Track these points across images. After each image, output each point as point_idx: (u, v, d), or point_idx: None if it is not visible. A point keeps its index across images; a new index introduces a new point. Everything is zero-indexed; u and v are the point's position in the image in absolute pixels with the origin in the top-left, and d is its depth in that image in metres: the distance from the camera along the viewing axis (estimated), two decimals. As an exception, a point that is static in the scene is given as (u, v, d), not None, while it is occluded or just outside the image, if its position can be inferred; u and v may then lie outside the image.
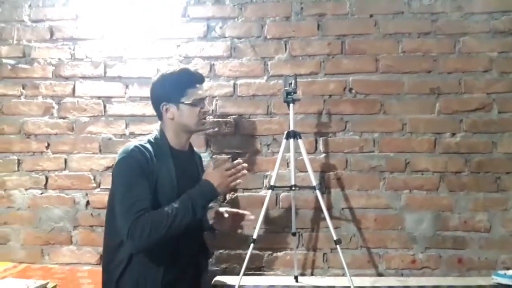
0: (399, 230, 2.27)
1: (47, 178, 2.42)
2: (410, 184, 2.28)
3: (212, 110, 2.36)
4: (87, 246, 2.37)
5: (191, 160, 1.80)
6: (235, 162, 1.63)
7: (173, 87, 1.65)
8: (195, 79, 1.68)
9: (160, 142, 1.66)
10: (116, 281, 1.56)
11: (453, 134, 2.28)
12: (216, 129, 2.36)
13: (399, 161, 2.29)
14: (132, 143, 1.60)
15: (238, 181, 1.61)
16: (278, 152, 2.10)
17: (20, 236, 2.41)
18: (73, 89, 2.45)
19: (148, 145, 1.60)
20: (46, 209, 2.40)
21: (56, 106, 2.45)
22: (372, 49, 2.33)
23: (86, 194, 2.39)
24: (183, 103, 1.65)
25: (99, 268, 2.19)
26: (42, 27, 2.48)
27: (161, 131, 1.69)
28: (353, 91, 2.33)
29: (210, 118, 2.27)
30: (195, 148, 1.90)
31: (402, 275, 2.25)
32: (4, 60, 2.48)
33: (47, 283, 1.89)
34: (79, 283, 1.98)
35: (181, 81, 1.65)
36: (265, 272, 2.30)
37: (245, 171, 1.62)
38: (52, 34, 2.48)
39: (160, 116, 1.71)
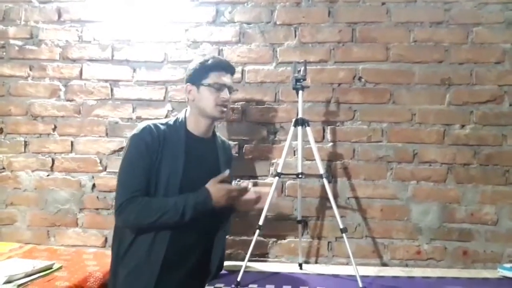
0: (405, 221, 2.26)
1: (53, 160, 2.43)
2: (418, 175, 2.27)
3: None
4: (92, 229, 2.38)
5: (211, 148, 1.75)
6: (242, 187, 1.63)
7: (198, 69, 1.66)
8: (221, 65, 1.67)
9: (178, 126, 1.65)
10: (122, 258, 1.57)
11: (463, 126, 2.25)
12: (226, 117, 2.35)
13: (407, 151, 2.28)
14: (148, 122, 1.61)
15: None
16: (285, 140, 2.08)
17: (26, 217, 2.43)
18: (80, 72, 2.44)
19: (163, 127, 1.61)
20: (52, 191, 2.41)
21: (63, 89, 2.44)
22: (383, 38, 2.30)
23: (92, 177, 2.39)
24: (203, 84, 1.64)
25: (105, 251, 2.23)
26: (50, 8, 2.46)
27: (184, 116, 1.69)
28: (363, 79, 2.30)
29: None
30: (222, 137, 1.87)
31: (406, 265, 2.25)
32: (12, 41, 2.47)
33: (53, 264, 1.89)
34: (84, 264, 1.98)
35: (207, 64, 1.65)
36: (269, 259, 2.31)
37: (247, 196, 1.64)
38: (60, 15, 2.45)
39: (187, 99, 1.71)
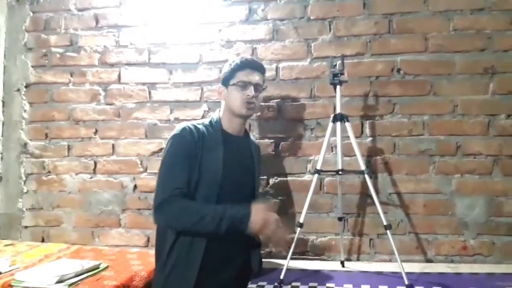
0: (450, 216, 2.19)
1: (95, 163, 2.50)
2: (462, 168, 2.19)
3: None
4: (135, 229, 2.44)
5: (245, 146, 1.78)
6: (280, 234, 1.53)
7: (227, 70, 1.70)
8: (247, 63, 1.69)
9: (214, 125, 1.69)
10: (164, 257, 1.60)
11: (509, 116, 2.16)
12: (259, 113, 2.35)
13: (449, 144, 2.20)
14: (187, 123, 1.65)
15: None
16: (322, 136, 2.06)
17: (71, 219, 2.51)
18: (119, 76, 2.50)
19: (201, 127, 1.64)
20: (96, 193, 2.49)
21: (103, 93, 2.51)
22: (421, 28, 2.23)
23: (134, 178, 2.45)
24: (230, 84, 1.68)
25: (148, 250, 2.27)
26: (87, 15, 2.53)
27: (219, 115, 1.72)
28: (402, 71, 2.24)
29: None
30: (252, 137, 1.89)
31: (452, 261, 2.17)
32: (53, 49, 2.56)
33: (100, 263, 1.94)
34: (129, 264, 2.02)
35: (234, 65, 1.69)
36: (310, 257, 2.29)
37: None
38: (97, 21, 2.53)
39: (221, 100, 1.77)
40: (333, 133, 1.99)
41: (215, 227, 1.47)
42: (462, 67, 2.19)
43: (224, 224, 1.47)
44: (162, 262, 1.61)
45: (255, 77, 1.69)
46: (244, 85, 1.66)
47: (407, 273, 1.78)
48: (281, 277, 1.76)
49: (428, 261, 2.20)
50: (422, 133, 2.22)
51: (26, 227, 2.55)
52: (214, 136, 1.64)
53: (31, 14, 2.60)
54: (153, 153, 2.44)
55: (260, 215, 1.48)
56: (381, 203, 2.16)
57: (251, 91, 1.66)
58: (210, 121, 1.70)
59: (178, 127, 1.63)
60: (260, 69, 1.73)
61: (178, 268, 1.58)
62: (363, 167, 1.88)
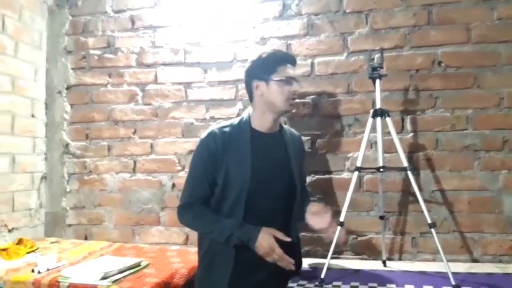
0: (497, 214, 2.10)
1: (135, 162, 2.55)
2: (509, 164, 2.09)
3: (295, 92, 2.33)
4: (174, 227, 2.47)
5: (279, 142, 1.73)
6: (286, 259, 1.50)
7: (265, 65, 1.65)
8: (286, 58, 1.67)
9: (243, 125, 1.66)
10: (204, 254, 1.63)
11: (560, 108, 2.05)
12: (294, 110, 2.32)
13: (495, 139, 2.11)
14: (213, 126, 1.64)
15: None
16: (360, 133, 2.01)
17: (112, 217, 2.57)
18: (155, 76, 2.53)
19: (227, 129, 1.63)
20: (135, 191, 2.54)
21: (140, 93, 2.55)
22: (463, 18, 2.15)
23: (172, 177, 2.48)
24: (272, 80, 1.63)
25: (187, 248, 2.30)
26: (124, 17, 2.58)
27: (248, 114, 1.69)
28: (443, 64, 2.16)
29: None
30: (291, 129, 1.83)
31: (500, 261, 2.08)
32: (92, 51, 2.63)
33: (141, 261, 1.97)
34: (169, 261, 2.05)
35: (273, 59, 1.65)
36: (349, 256, 2.25)
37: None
38: (133, 23, 2.57)
39: (251, 97, 1.70)
40: (373, 129, 1.94)
41: (223, 241, 1.53)
42: (508, 58, 2.09)
43: (232, 241, 1.52)
44: (200, 260, 1.64)
45: (294, 71, 1.67)
46: (289, 81, 1.63)
47: (453, 273, 1.72)
48: (322, 276, 1.74)
49: (474, 260, 2.12)
50: (466, 128, 2.14)
51: (69, 225, 2.63)
52: (241, 137, 1.62)
53: (70, 18, 2.68)
54: (190, 151, 2.46)
55: (266, 240, 1.49)
56: (424, 200, 2.10)
57: (296, 86, 1.64)
58: (239, 121, 1.68)
59: (206, 131, 1.64)
60: (295, 62, 1.70)
61: (214, 265, 1.59)
62: (405, 163, 1.83)
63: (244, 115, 1.69)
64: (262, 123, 1.67)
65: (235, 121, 1.68)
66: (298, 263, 1.78)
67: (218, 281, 1.56)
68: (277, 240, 1.49)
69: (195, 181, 1.62)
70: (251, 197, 1.56)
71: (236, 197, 1.57)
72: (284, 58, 1.66)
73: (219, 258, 1.58)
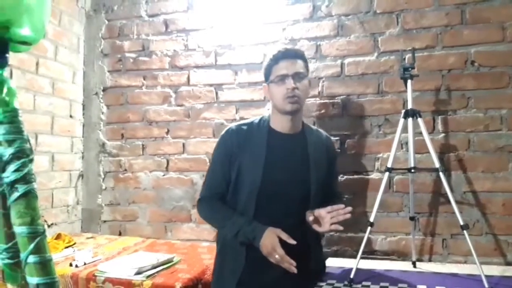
0: (533, 217, 2.05)
1: (168, 161, 2.63)
2: (546, 166, 2.04)
3: (319, 92, 2.35)
4: (205, 224, 2.51)
5: (298, 143, 1.69)
6: (286, 261, 1.47)
7: (265, 67, 1.67)
8: (278, 55, 1.61)
9: (262, 124, 1.68)
10: (219, 250, 1.70)
11: None
12: (323, 110, 2.34)
13: (532, 140, 2.06)
14: (234, 124, 1.71)
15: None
16: (390, 133, 2.00)
17: (146, 214, 2.66)
18: (188, 78, 2.60)
19: (245, 127, 1.66)
20: (168, 189, 2.61)
21: (173, 95, 2.63)
22: (497, 17, 2.10)
23: (203, 175, 2.52)
24: (270, 81, 1.65)
25: (218, 245, 2.34)
26: (158, 21, 2.67)
27: (269, 114, 1.73)
28: (476, 64, 2.13)
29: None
30: (320, 131, 1.82)
31: (536, 265, 2.03)
32: (127, 54, 2.72)
33: (173, 257, 2.04)
34: (200, 258, 2.11)
35: (270, 60, 1.64)
36: (378, 257, 2.24)
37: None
38: (167, 27, 2.65)
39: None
40: (404, 130, 1.93)
41: (232, 236, 1.56)
42: (546, 57, 2.04)
43: (240, 238, 1.55)
44: (217, 256, 1.70)
45: (294, 66, 1.59)
46: (282, 79, 1.58)
47: (486, 276, 1.70)
48: (351, 276, 1.75)
49: (509, 264, 2.07)
50: (500, 128, 2.09)
51: (105, 221, 2.74)
52: (258, 136, 1.63)
53: (106, 22, 2.78)
54: (221, 151, 2.52)
55: (270, 239, 1.48)
56: (456, 202, 2.07)
57: (289, 82, 1.57)
58: (260, 120, 1.69)
59: (226, 128, 1.69)
60: (296, 56, 1.63)
61: (226, 262, 1.64)
62: (437, 164, 1.81)
63: (266, 114, 1.71)
64: (278, 123, 1.67)
65: (256, 119, 1.70)
66: (317, 264, 1.75)
67: (230, 278, 1.60)
68: (282, 241, 1.48)
69: (213, 176, 1.68)
70: (262, 197, 1.58)
71: (247, 195, 1.60)
72: (278, 56, 1.61)
73: (231, 255, 1.62)
